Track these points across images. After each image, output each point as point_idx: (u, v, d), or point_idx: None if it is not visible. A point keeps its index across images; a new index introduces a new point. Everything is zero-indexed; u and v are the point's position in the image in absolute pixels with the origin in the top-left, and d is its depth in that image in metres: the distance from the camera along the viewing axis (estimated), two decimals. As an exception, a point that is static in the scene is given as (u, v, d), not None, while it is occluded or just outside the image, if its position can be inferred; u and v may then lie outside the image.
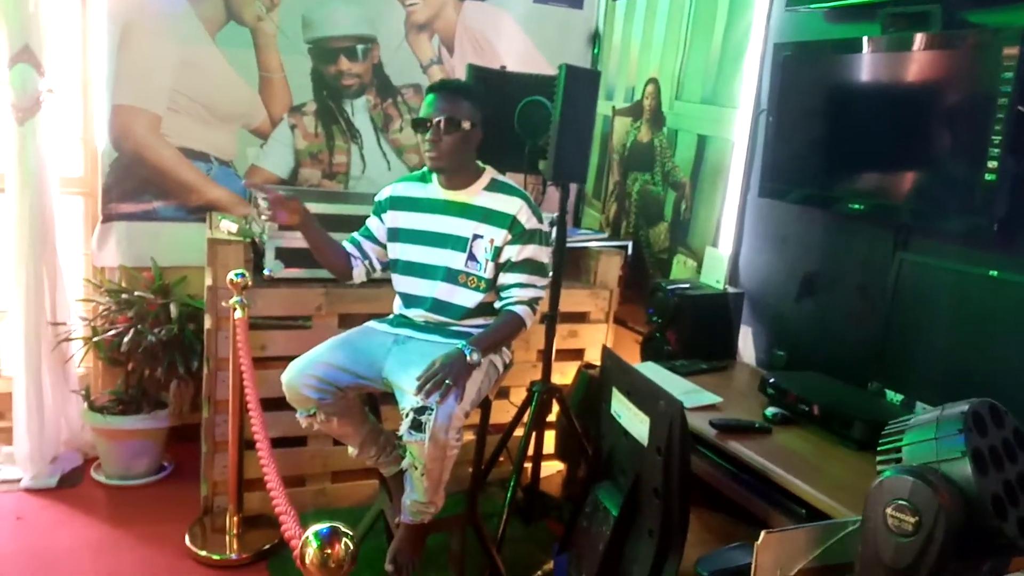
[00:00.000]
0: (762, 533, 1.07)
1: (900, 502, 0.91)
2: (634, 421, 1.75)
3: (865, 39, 2.17)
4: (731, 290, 2.66)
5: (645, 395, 1.71)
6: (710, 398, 2.17)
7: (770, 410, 2.11)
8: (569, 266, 2.86)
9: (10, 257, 2.73)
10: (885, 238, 2.20)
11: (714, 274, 2.70)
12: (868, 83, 2.19)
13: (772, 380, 2.16)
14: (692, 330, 2.55)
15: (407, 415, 1.90)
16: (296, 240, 2.40)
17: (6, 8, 2.55)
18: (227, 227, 2.65)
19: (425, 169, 2.29)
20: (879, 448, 1.02)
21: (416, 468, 1.94)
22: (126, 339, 2.72)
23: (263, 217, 2.14)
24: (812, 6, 2.38)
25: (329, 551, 1.04)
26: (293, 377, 2.10)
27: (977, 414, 0.96)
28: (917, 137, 2.06)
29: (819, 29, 2.42)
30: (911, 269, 2.06)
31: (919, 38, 2.02)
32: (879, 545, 0.93)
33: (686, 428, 1.61)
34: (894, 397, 2.08)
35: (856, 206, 2.22)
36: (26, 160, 2.65)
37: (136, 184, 2.98)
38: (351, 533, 1.07)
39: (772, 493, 1.83)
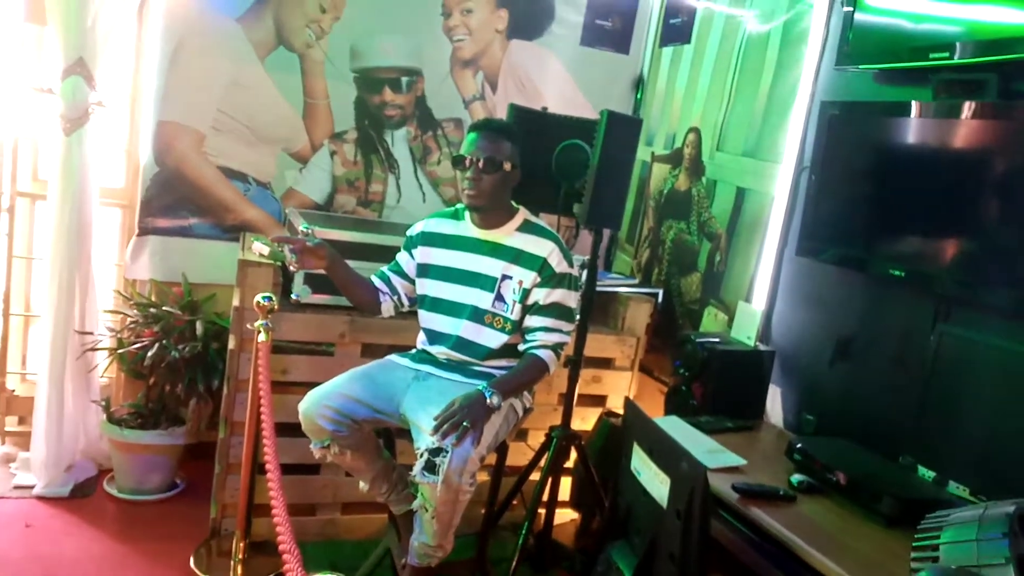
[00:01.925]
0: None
1: (936, 607, 0.85)
2: (654, 481, 1.69)
3: (916, 103, 2.12)
4: (762, 347, 2.59)
5: (667, 455, 1.66)
6: (734, 459, 2.09)
7: (796, 477, 2.03)
8: (597, 310, 2.82)
9: (46, 263, 2.76)
10: (925, 307, 2.13)
11: (746, 330, 2.63)
12: (916, 147, 2.14)
13: (800, 445, 2.09)
14: (719, 386, 2.49)
15: (421, 455, 1.87)
16: (325, 267, 2.39)
17: (66, 21, 2.62)
18: (259, 249, 2.64)
19: (459, 206, 2.29)
20: (915, 543, 0.96)
21: (427, 510, 1.90)
22: (150, 353, 2.73)
23: (291, 268, 2.13)
24: (862, 67, 2.34)
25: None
26: (310, 407, 2.08)
27: (1023, 517, 0.89)
28: (964, 205, 1.99)
29: (868, 90, 2.38)
30: (952, 342, 1.99)
31: (972, 106, 1.97)
32: (910, 649, 0.87)
33: (708, 494, 1.55)
34: (926, 473, 1.99)
35: (896, 271, 2.15)
36: (70, 170, 2.70)
37: (174, 199, 3.02)
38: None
39: (793, 565, 1.75)
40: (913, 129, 2.15)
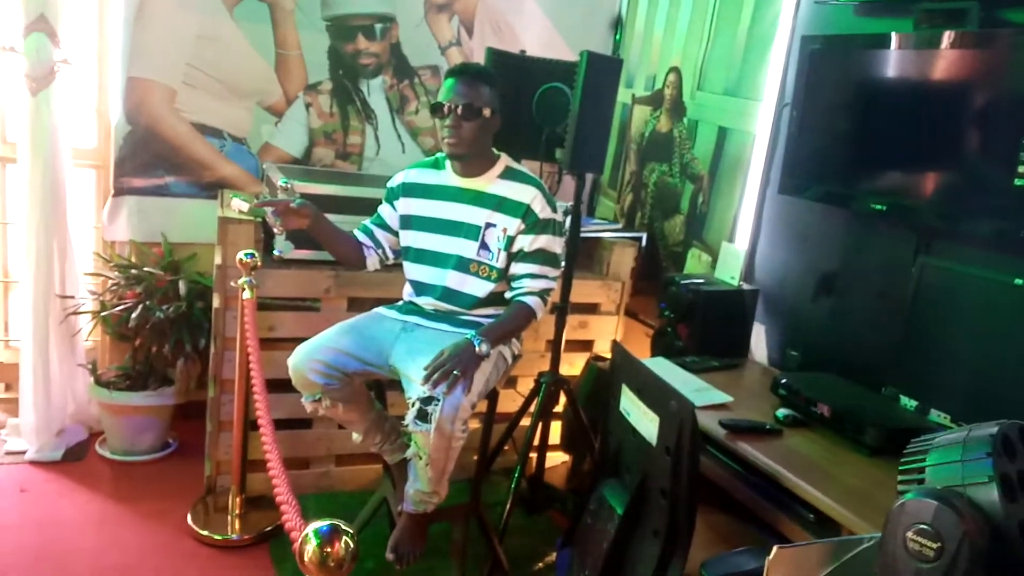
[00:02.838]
0: (774, 548, 1.04)
1: (922, 526, 0.87)
2: (643, 419, 1.71)
3: (897, 35, 2.10)
4: (746, 287, 2.62)
5: (655, 394, 1.68)
6: (721, 397, 2.13)
7: (781, 411, 2.07)
8: (582, 256, 2.82)
9: (21, 228, 2.72)
10: (907, 240, 2.15)
11: (729, 270, 2.65)
12: (897, 80, 2.13)
13: (784, 381, 2.13)
14: (705, 326, 2.51)
15: (413, 405, 1.88)
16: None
17: (22, -24, 2.52)
18: (238, 205, 2.62)
19: (438, 155, 2.26)
20: (901, 467, 0.99)
21: (420, 458, 1.92)
22: (134, 315, 2.71)
23: (275, 230, 2.09)
24: (842, -1, 2.32)
25: (329, 550, 1.01)
26: (299, 361, 2.08)
27: (1006, 437, 0.92)
28: (945, 137, 2.00)
29: (849, 23, 2.36)
30: (933, 273, 2.01)
31: (953, 35, 1.96)
32: (898, 569, 0.90)
33: (696, 430, 1.58)
34: (908, 403, 2.04)
35: (878, 206, 2.16)
36: (39, 131, 2.63)
37: (149, 158, 2.96)
38: (351, 531, 1.05)
39: (781, 497, 1.80)
40: (894, 61, 2.14)
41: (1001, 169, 1.83)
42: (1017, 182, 1.79)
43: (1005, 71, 1.86)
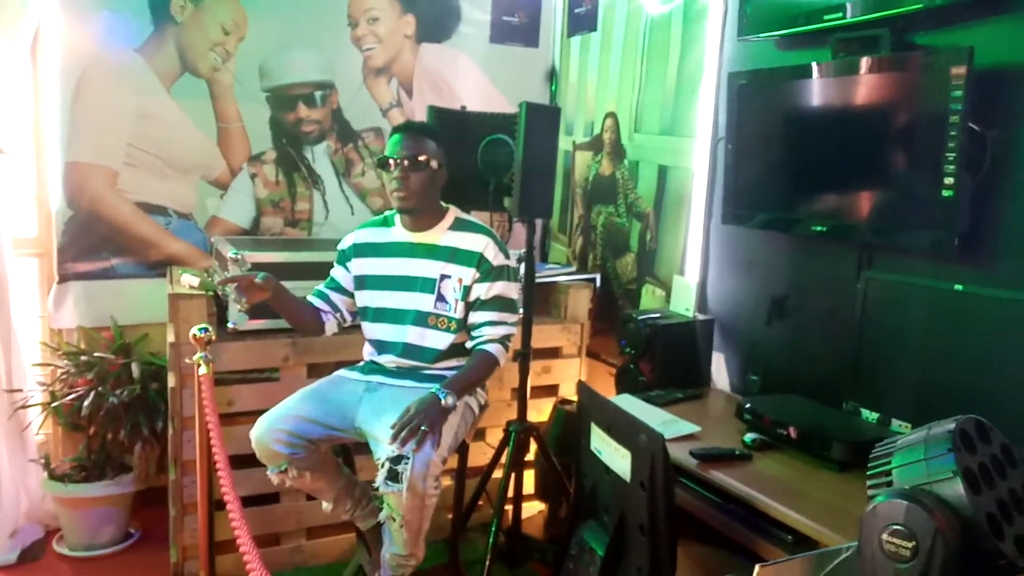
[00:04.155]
0: (756, 567, 1.04)
1: (896, 527, 0.89)
2: (615, 457, 1.72)
3: (817, 64, 2.21)
4: (701, 317, 2.66)
5: (624, 429, 1.69)
6: (688, 427, 2.14)
7: (749, 436, 2.09)
8: (539, 301, 2.85)
9: (-39, 324, 2.63)
10: (850, 258, 2.22)
11: (683, 302, 2.70)
12: (823, 107, 2.23)
13: (748, 405, 2.15)
14: (665, 359, 2.54)
15: (383, 465, 1.85)
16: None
17: (-49, 69, 2.50)
18: (188, 281, 2.58)
19: (387, 213, 2.27)
20: (868, 472, 1.00)
21: (394, 520, 1.88)
22: (87, 402, 2.63)
23: (237, 307, 2.07)
24: (763, 35, 2.43)
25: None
26: (262, 433, 2.04)
27: (964, 432, 0.95)
28: (874, 157, 2.09)
29: (771, 57, 2.47)
30: (878, 287, 2.08)
31: (869, 61, 2.07)
32: (877, 572, 0.91)
33: (669, 462, 1.58)
34: (870, 416, 2.08)
35: (818, 227, 2.24)
36: (-24, 223, 2.58)
37: (93, 242, 2.91)
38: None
39: (757, 521, 1.81)
40: (817, 90, 2.24)
41: (928, 182, 1.91)
42: (944, 193, 1.87)
43: (920, 90, 1.97)
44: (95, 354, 2.76)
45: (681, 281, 2.74)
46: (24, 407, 2.72)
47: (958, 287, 1.87)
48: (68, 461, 2.81)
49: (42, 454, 2.81)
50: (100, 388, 2.67)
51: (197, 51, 2.98)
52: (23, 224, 2.92)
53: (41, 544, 2.77)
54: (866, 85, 2.10)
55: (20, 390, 2.72)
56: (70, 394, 2.67)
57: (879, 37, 2.07)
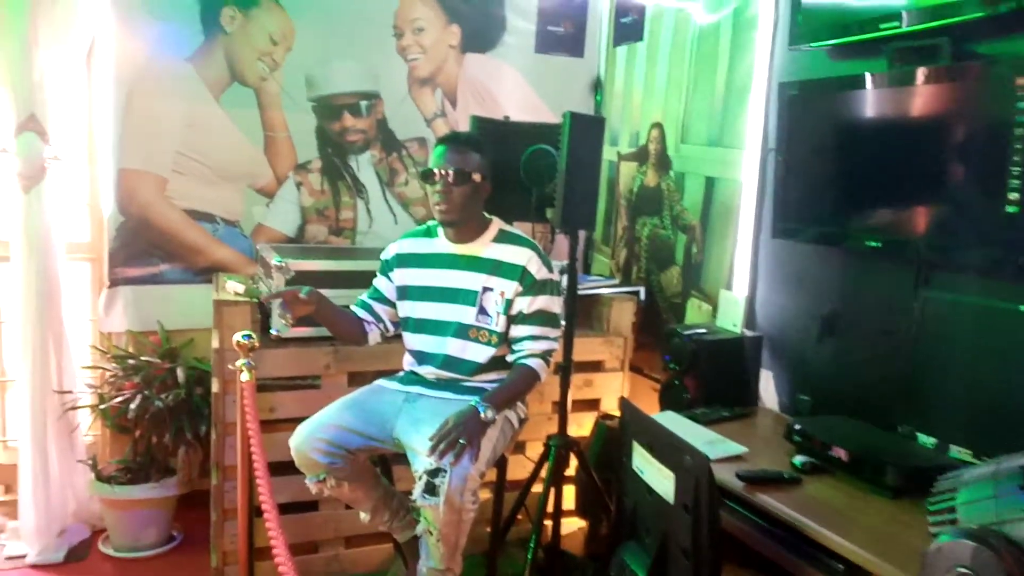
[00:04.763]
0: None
1: (962, 570, 0.83)
2: (658, 477, 1.67)
3: (873, 75, 2.14)
4: (749, 333, 2.59)
5: (668, 449, 1.64)
6: (735, 448, 2.08)
7: (798, 459, 2.02)
8: (581, 314, 2.81)
9: (16, 325, 2.70)
10: (905, 275, 2.13)
11: (731, 318, 2.63)
12: (878, 118, 2.16)
13: (798, 427, 2.08)
14: (711, 376, 2.48)
15: (420, 478, 1.84)
16: (303, 299, 2.36)
17: (13, 79, 2.57)
18: (233, 287, 2.61)
19: (430, 223, 2.27)
20: (931, 506, 0.95)
21: (431, 534, 1.86)
22: (133, 405, 2.67)
23: (283, 321, 2.09)
24: (815, 44, 2.36)
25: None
26: (301, 442, 2.04)
27: (1036, 468, 0.89)
28: (932, 171, 2.01)
29: (824, 67, 2.40)
30: (935, 306, 2.00)
31: (928, 71, 1.99)
32: (939, 616, 0.85)
33: (714, 484, 1.53)
34: (926, 440, 1.99)
35: (872, 243, 2.16)
36: (31, 227, 2.64)
37: (142, 247, 2.97)
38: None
39: (807, 548, 1.74)
40: (872, 100, 2.17)
41: (990, 197, 1.83)
42: (1008, 208, 1.79)
43: (982, 101, 1.89)
44: (142, 358, 2.81)
45: (728, 296, 2.68)
46: (73, 408, 2.78)
47: (1022, 308, 1.78)
48: (114, 463, 2.86)
49: (90, 455, 2.86)
50: (146, 392, 2.71)
51: (245, 61, 3.03)
52: (77, 229, 2.99)
53: (87, 544, 2.82)
54: (924, 95, 2.02)
55: (70, 392, 2.78)
56: (117, 397, 2.72)
57: (938, 46, 2.00)
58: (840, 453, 1.94)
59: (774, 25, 2.59)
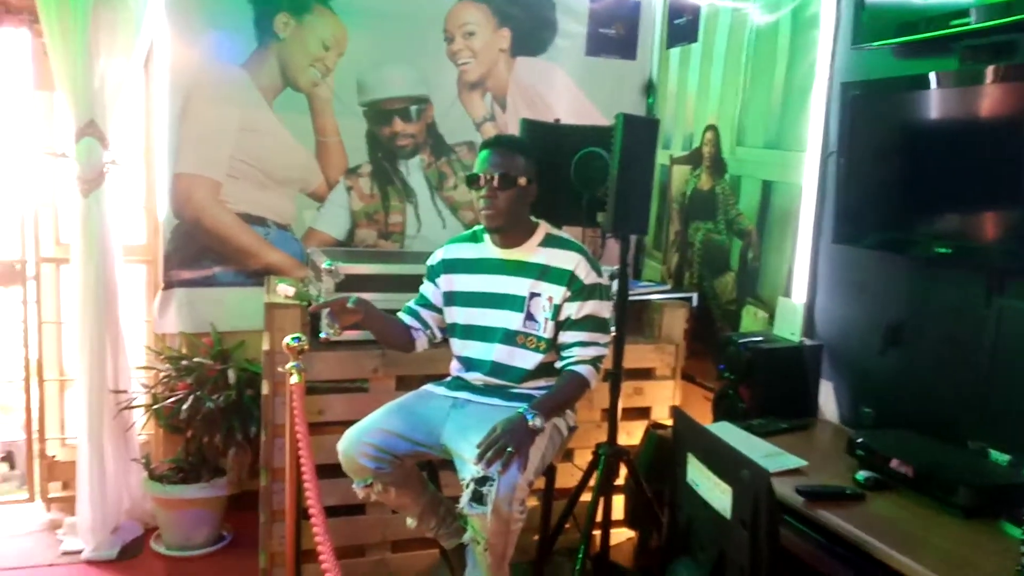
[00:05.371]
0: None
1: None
2: (714, 491, 1.61)
3: (940, 74, 2.04)
4: (808, 342, 2.50)
5: (725, 463, 1.58)
6: (794, 461, 2.00)
7: (861, 474, 1.93)
8: (632, 320, 2.75)
9: (75, 325, 2.76)
10: (977, 283, 2.03)
11: (789, 326, 2.54)
12: (947, 119, 2.06)
13: (861, 440, 1.99)
14: (768, 386, 2.40)
15: (467, 486, 1.81)
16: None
17: (74, 85, 2.63)
18: (284, 291, 2.63)
19: (475, 228, 2.24)
20: (1009, 531, 0.87)
21: (478, 543, 1.83)
22: (185, 406, 2.71)
23: (331, 332, 2.09)
24: (880, 43, 2.27)
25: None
26: (349, 446, 2.03)
27: None
28: (1006, 174, 1.90)
29: (889, 66, 2.30)
30: (1012, 315, 1.89)
31: (1001, 69, 1.89)
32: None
33: (774, 499, 1.47)
34: (999, 457, 1.88)
35: (941, 249, 2.06)
36: (90, 231, 2.70)
37: (196, 250, 3.01)
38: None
39: (871, 568, 1.65)
40: (940, 100, 2.07)
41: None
42: (1093, 213, 1.68)
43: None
44: (195, 359, 2.85)
45: (787, 303, 2.59)
46: (128, 407, 2.83)
47: (1108, 318, 1.67)
48: (166, 462, 2.90)
49: (143, 454, 2.91)
50: (198, 392, 2.74)
51: (298, 66, 3.05)
52: (133, 231, 3.05)
53: (140, 541, 2.87)
54: (998, 95, 1.92)
55: (125, 391, 2.83)
56: (170, 397, 2.76)
57: (1014, 43, 1.90)
58: (906, 469, 1.85)
59: (836, 24, 2.50)
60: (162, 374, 2.86)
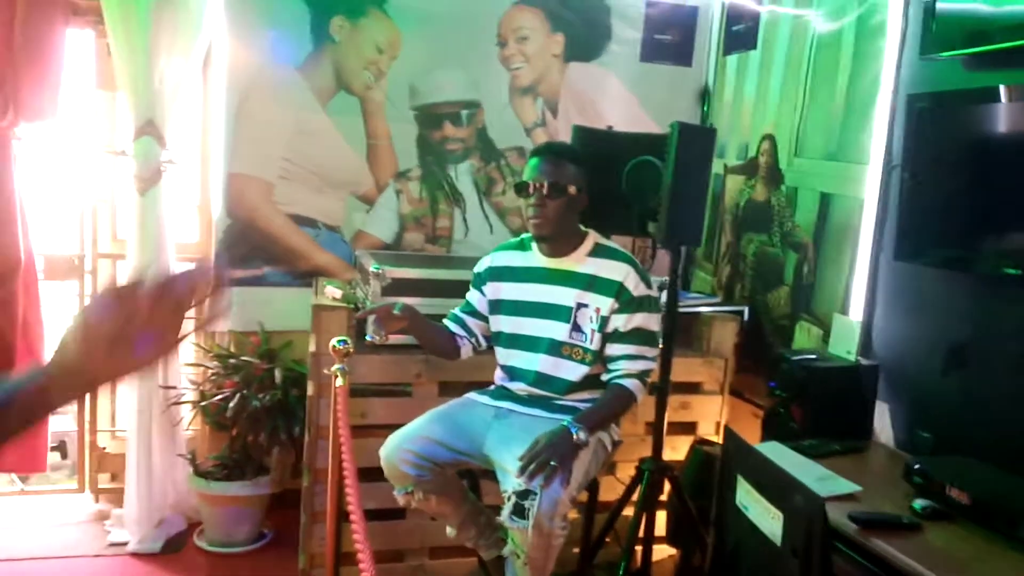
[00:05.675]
0: None
1: None
2: (764, 516, 1.55)
3: (1011, 87, 1.95)
4: (864, 362, 2.41)
5: (777, 487, 1.52)
6: (848, 486, 1.92)
7: (918, 502, 1.85)
8: (680, 333, 2.69)
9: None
10: (1048, 305, 1.93)
11: (844, 344, 2.46)
12: (1019, 134, 1.96)
13: (918, 466, 1.91)
14: (821, 406, 2.31)
15: (509, 499, 1.78)
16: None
17: (135, 86, 2.69)
18: (332, 292, 2.64)
19: (523, 236, 2.22)
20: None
21: (518, 556, 1.80)
22: (232, 403, 2.73)
23: (377, 336, 2.09)
24: (950, 53, 2.18)
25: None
26: (391, 452, 2.02)
27: None
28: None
29: (959, 78, 2.21)
30: (1087, 343, 1.79)
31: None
32: None
33: (827, 529, 1.41)
34: (1070, 491, 1.78)
35: (1010, 270, 1.96)
36: (146, 228, 2.75)
37: (247, 250, 3.04)
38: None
39: (927, 603, 1.58)
40: (1013, 113, 1.97)
41: None
42: None
43: None
44: (242, 357, 2.88)
45: (843, 320, 2.51)
46: (176, 403, 2.87)
47: None
48: (211, 459, 2.94)
49: (189, 449, 2.95)
50: (245, 391, 2.77)
51: (352, 70, 3.07)
52: (187, 230, 3.10)
53: (183, 536, 2.91)
54: (1078, 109, 1.82)
55: (174, 387, 2.87)
56: (217, 394, 2.80)
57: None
58: (965, 498, 1.76)
59: (902, 34, 2.41)
60: (210, 371, 2.90)
